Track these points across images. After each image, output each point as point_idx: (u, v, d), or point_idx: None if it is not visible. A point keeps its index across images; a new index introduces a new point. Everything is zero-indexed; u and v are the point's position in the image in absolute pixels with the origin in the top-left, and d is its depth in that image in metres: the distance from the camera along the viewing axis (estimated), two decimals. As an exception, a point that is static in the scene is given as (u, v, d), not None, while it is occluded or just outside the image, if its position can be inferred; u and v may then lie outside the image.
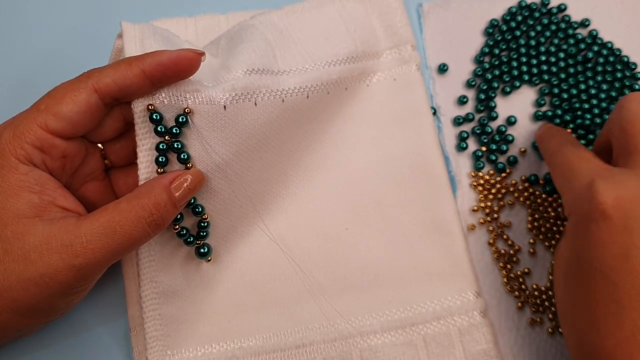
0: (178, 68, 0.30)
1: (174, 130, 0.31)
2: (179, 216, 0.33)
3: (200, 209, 0.34)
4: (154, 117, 0.31)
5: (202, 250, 0.35)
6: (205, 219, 0.34)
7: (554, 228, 0.39)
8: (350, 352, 0.35)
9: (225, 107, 0.32)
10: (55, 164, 0.30)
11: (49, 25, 0.42)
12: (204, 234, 0.34)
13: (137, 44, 0.32)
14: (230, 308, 0.36)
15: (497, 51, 0.43)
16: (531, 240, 0.39)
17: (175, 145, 0.32)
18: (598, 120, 0.41)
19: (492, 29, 0.43)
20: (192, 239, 0.34)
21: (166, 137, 0.32)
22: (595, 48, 0.43)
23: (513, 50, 0.43)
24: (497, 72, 0.42)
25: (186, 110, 0.31)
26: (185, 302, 0.35)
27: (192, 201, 0.33)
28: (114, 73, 0.30)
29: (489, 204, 0.40)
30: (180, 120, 0.31)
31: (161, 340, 0.34)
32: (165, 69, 0.30)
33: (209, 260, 0.36)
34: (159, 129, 0.31)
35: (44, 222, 0.29)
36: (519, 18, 0.43)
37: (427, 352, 0.35)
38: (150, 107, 0.31)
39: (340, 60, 0.37)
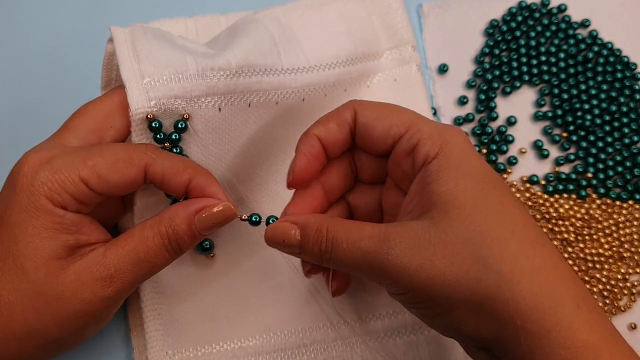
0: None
1: (174, 137, 0.32)
2: None
3: None
4: (154, 125, 0.31)
5: (204, 245, 0.35)
6: None
7: (555, 228, 0.39)
8: (350, 352, 0.35)
9: (220, 109, 0.33)
10: (86, 210, 0.30)
11: (49, 25, 0.42)
12: None
13: (129, 47, 0.32)
14: (230, 308, 0.35)
15: (497, 51, 0.43)
16: (531, 241, 0.39)
17: (174, 151, 0.32)
18: (598, 121, 0.41)
19: (492, 30, 0.44)
20: None
21: (166, 144, 0.32)
22: (596, 48, 0.43)
23: (513, 51, 0.43)
24: (497, 73, 0.42)
25: (185, 116, 0.32)
26: (186, 302, 0.35)
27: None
28: (168, 169, 0.29)
29: (489, 204, 0.40)
30: (180, 126, 0.32)
31: (161, 341, 0.34)
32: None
33: (212, 256, 0.36)
34: (158, 136, 0.31)
35: (75, 258, 0.29)
36: (519, 18, 0.43)
37: (429, 353, 0.35)
38: (149, 117, 0.31)
39: (340, 62, 0.37)
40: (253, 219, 0.31)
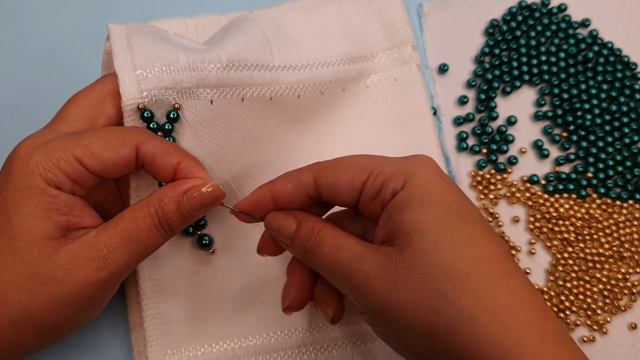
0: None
1: (167, 127, 0.32)
2: None
3: None
4: (146, 114, 0.32)
5: (204, 240, 0.35)
6: None
7: (555, 228, 0.39)
8: (351, 352, 0.35)
9: (211, 102, 0.33)
10: (82, 192, 0.30)
11: (49, 25, 0.42)
12: (203, 222, 0.35)
13: (124, 42, 0.33)
14: (231, 307, 0.36)
15: (497, 51, 0.43)
16: (531, 241, 0.39)
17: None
18: (598, 121, 0.41)
19: (493, 29, 0.44)
20: (192, 230, 0.34)
21: (159, 134, 0.32)
22: (596, 48, 0.43)
23: (513, 50, 0.43)
24: (497, 72, 0.42)
25: (176, 106, 0.32)
26: (186, 301, 0.35)
27: None
28: (158, 149, 0.30)
29: (489, 203, 0.40)
30: (172, 116, 0.32)
31: (161, 340, 0.34)
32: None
33: (212, 252, 0.36)
34: (151, 126, 0.32)
35: (67, 240, 0.29)
36: (520, 18, 0.43)
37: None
38: (140, 107, 0.31)
39: (335, 61, 0.38)
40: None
